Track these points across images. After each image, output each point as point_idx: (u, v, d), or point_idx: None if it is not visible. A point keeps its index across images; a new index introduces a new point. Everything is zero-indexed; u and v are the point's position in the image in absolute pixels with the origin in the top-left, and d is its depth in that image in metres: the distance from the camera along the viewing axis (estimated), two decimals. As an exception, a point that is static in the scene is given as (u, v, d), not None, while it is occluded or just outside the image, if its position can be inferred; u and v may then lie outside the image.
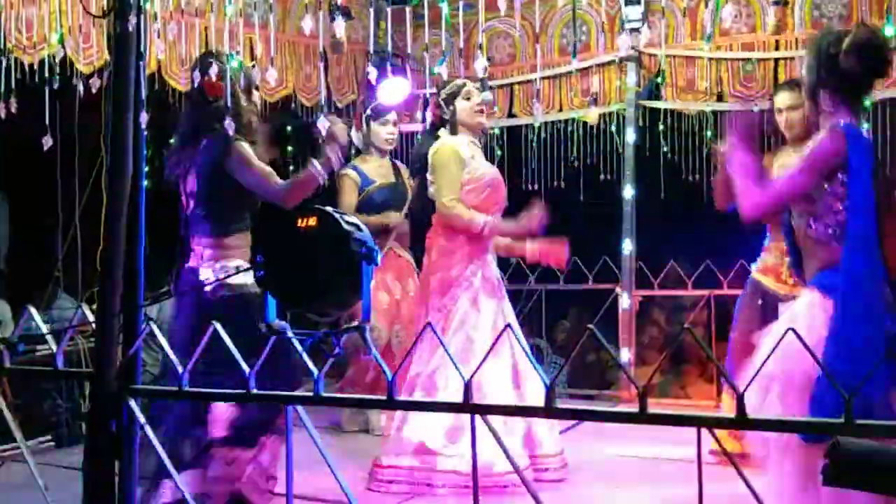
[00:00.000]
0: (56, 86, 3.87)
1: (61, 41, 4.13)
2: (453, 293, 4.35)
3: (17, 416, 5.59)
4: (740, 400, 1.92)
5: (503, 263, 5.03)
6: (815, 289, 3.08)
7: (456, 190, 4.34)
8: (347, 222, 2.33)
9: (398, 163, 6.01)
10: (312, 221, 2.32)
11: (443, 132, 4.50)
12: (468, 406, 2.19)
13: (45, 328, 2.80)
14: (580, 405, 4.23)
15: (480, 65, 3.23)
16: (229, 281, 3.71)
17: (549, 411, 2.11)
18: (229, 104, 3.75)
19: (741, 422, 1.93)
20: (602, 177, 6.48)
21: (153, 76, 5.12)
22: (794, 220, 3.17)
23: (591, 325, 2.07)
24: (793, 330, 2.16)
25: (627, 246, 6.44)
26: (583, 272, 6.70)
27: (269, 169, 3.75)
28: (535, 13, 6.42)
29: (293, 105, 6.39)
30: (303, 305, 2.46)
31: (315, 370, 2.29)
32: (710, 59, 6.10)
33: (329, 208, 2.37)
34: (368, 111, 5.85)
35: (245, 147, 3.72)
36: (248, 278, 3.77)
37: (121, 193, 2.59)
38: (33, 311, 2.79)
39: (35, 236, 7.09)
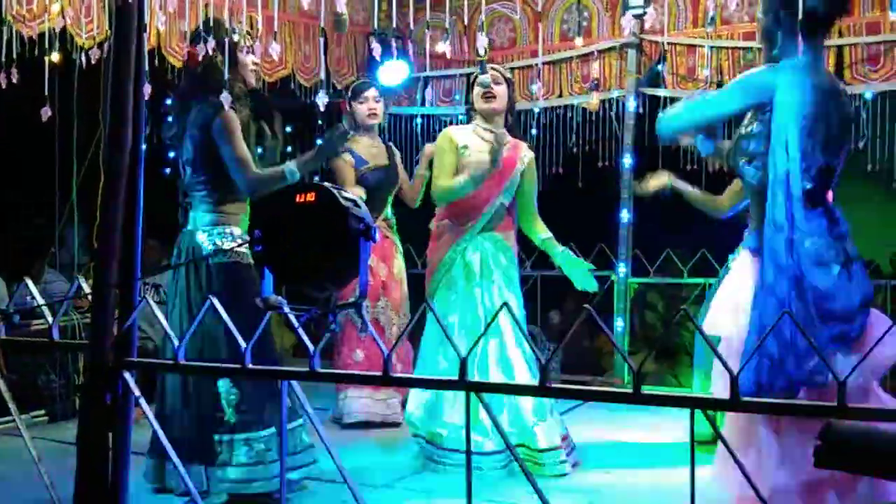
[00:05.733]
0: (56, 58, 3.86)
1: (61, 13, 4.11)
2: (435, 277, 4.46)
3: (10, 390, 5.61)
4: (734, 382, 1.92)
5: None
6: (746, 250, 3.08)
7: (448, 174, 4.39)
8: (345, 198, 2.32)
9: (391, 146, 6.00)
10: (311, 197, 2.32)
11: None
12: (463, 383, 2.20)
13: (40, 300, 2.80)
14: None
15: (481, 44, 3.22)
16: (226, 249, 3.78)
17: (543, 390, 2.11)
18: (211, 73, 3.79)
19: (735, 404, 1.93)
20: (601, 163, 6.47)
21: (152, 52, 5.10)
22: (738, 164, 3.11)
23: (587, 306, 2.07)
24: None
25: (625, 215, 6.44)
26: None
27: (247, 153, 3.79)
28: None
29: (292, 85, 6.38)
30: (300, 281, 2.45)
31: (311, 346, 2.28)
32: (712, 47, 6.08)
33: (327, 184, 2.37)
34: (349, 91, 5.84)
35: (232, 118, 3.76)
36: (245, 247, 3.84)
37: (119, 167, 2.57)
38: (30, 283, 2.79)
39: (31, 210, 7.08)
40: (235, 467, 3.67)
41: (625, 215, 6.39)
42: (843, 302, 2.86)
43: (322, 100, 2.70)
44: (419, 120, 6.99)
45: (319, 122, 6.87)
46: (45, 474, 2.81)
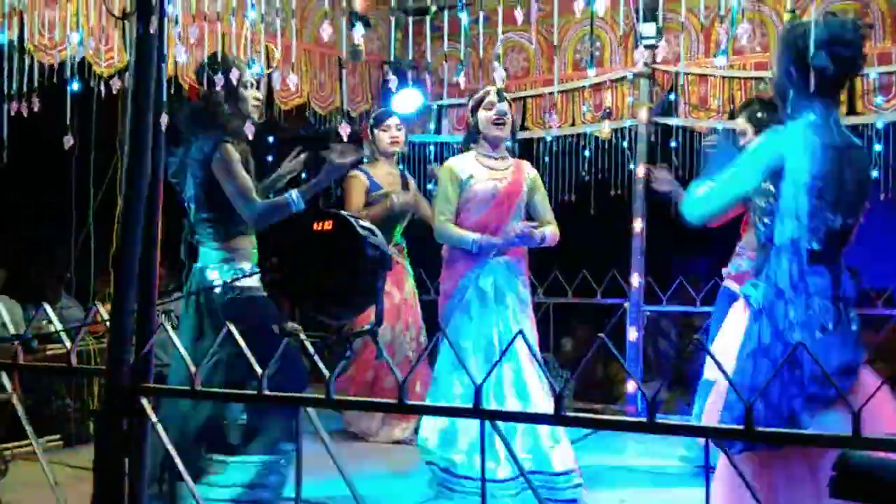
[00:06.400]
0: (77, 87, 3.90)
1: (81, 42, 4.16)
2: (449, 304, 4.44)
3: (26, 414, 5.63)
4: (748, 412, 1.93)
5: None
6: (742, 296, 3.04)
7: (448, 210, 4.42)
8: (363, 227, 2.35)
9: (408, 174, 6.08)
10: (328, 225, 2.34)
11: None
12: (478, 411, 2.21)
13: (59, 326, 2.83)
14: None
15: (500, 75, 3.24)
16: (238, 283, 3.75)
17: (558, 419, 2.12)
18: (211, 108, 3.80)
19: (749, 433, 1.94)
20: (613, 192, 6.49)
21: (169, 81, 5.16)
22: (752, 217, 3.09)
23: (601, 335, 2.09)
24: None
25: (638, 243, 6.41)
26: (591, 287, 6.71)
27: (249, 183, 3.76)
28: (551, 27, 6.48)
29: (307, 113, 6.43)
30: (316, 308, 2.47)
31: (326, 373, 2.30)
32: (723, 77, 6.12)
33: (344, 212, 2.40)
34: (371, 119, 5.93)
35: (231, 151, 3.74)
36: (256, 281, 3.82)
37: (138, 194, 2.60)
38: (48, 309, 2.81)
39: (46, 236, 7.14)
40: (228, 488, 3.68)
41: (637, 243, 6.39)
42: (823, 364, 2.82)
43: (344, 130, 2.72)
44: (432, 148, 7.04)
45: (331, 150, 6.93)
46: (61, 501, 2.82)
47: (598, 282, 6.73)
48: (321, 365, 2.37)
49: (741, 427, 1.94)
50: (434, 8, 6.44)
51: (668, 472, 4.89)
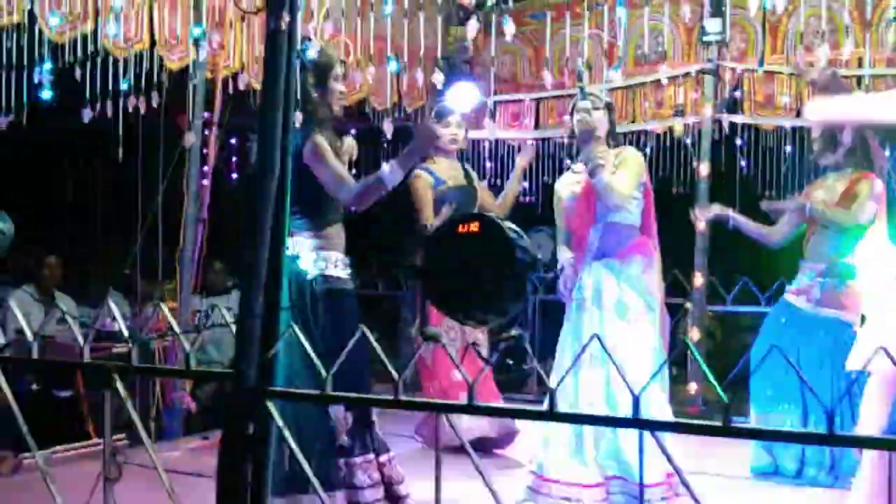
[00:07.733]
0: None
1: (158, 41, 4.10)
2: (567, 305, 4.36)
3: (91, 413, 5.58)
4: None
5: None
6: None
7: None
8: (510, 229, 2.28)
9: (469, 169, 5.98)
10: (474, 227, 2.27)
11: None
12: (635, 421, 2.13)
13: (177, 328, 2.77)
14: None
15: (585, 79, 3.14)
16: (330, 274, 3.72)
17: (727, 431, 2.04)
18: (302, 99, 3.75)
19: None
20: (675, 190, 6.42)
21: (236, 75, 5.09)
22: None
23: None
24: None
25: (700, 242, 6.37)
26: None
27: (342, 169, 3.74)
28: (609, 23, 6.39)
29: (366, 109, 6.38)
30: (462, 312, 2.40)
31: (469, 378, 2.23)
32: (790, 74, 6.03)
33: (491, 214, 2.33)
34: (432, 114, 5.85)
35: (321, 140, 3.70)
36: (346, 273, 3.78)
37: (267, 192, 2.56)
38: (164, 308, 2.75)
39: (101, 234, 7.10)
40: (359, 489, 3.62)
41: (700, 242, 6.31)
42: None
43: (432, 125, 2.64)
44: (487, 144, 6.97)
45: (385, 144, 6.88)
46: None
47: (658, 281, 6.64)
48: (463, 371, 2.29)
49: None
50: (490, 2, 6.38)
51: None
